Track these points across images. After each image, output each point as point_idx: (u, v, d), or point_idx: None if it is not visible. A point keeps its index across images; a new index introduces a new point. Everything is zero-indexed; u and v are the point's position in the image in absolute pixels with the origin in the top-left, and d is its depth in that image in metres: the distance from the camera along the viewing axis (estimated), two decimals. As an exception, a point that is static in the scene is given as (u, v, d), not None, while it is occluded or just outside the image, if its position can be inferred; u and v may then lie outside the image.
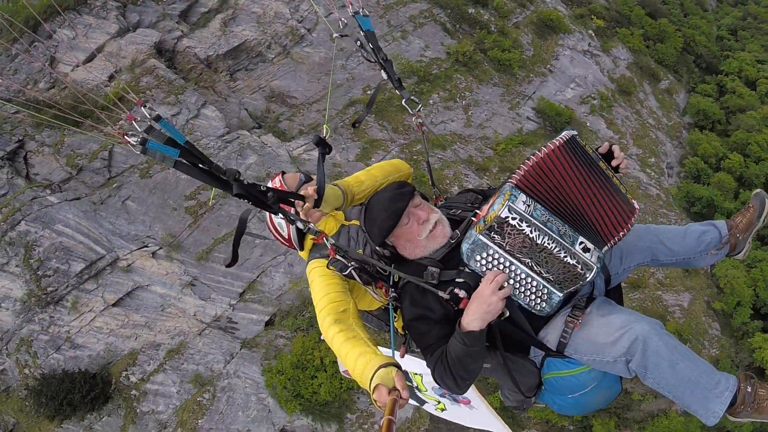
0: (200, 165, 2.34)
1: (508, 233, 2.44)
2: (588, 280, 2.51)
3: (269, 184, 2.97)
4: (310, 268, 3.00)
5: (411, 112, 3.43)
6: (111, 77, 17.31)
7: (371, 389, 2.26)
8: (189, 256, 14.77)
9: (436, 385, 2.88)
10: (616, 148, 2.76)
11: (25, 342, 13.72)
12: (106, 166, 15.46)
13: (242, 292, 14.79)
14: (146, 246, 14.66)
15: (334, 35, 3.68)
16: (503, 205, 2.42)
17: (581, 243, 2.48)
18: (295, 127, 19.18)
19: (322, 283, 2.83)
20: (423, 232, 2.72)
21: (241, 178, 2.39)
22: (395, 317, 2.94)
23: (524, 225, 2.41)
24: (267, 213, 2.84)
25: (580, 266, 2.47)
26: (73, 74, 17.37)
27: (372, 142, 18.95)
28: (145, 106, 2.48)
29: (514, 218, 2.41)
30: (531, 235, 2.42)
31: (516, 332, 2.61)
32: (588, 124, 21.59)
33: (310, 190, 2.76)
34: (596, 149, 2.73)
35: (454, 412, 4.74)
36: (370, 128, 19.32)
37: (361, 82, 19.43)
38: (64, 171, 15.20)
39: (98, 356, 13.75)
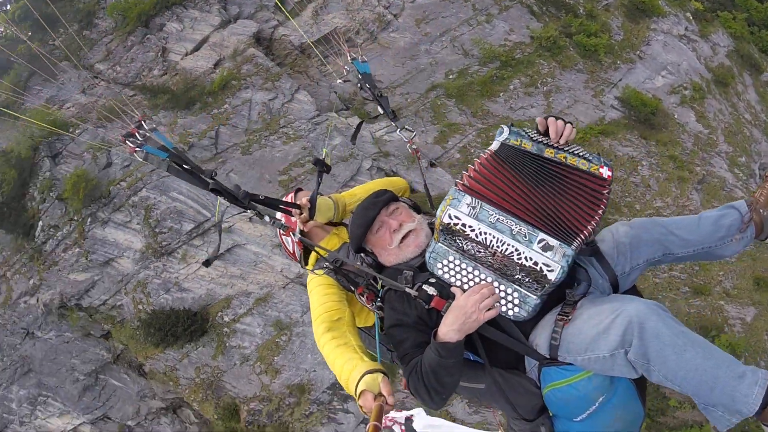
0: (184, 166, 2.80)
1: (458, 238, 2.34)
2: (553, 281, 2.24)
3: (285, 198, 3.40)
4: (309, 278, 3.09)
5: (405, 140, 3.72)
6: (216, 64, 19.44)
7: (357, 395, 2.23)
8: None
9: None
10: (551, 122, 2.54)
11: (141, 284, 16.28)
12: (213, 144, 17.60)
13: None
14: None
15: (338, 81, 4.43)
16: (444, 210, 2.36)
17: (541, 241, 2.24)
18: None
19: (319, 292, 2.91)
20: (394, 241, 2.69)
21: (216, 178, 2.81)
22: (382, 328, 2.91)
23: (467, 229, 2.31)
24: (279, 231, 3.14)
25: (539, 266, 2.23)
26: (182, 62, 19.68)
27: (450, 126, 19.75)
28: (144, 121, 2.91)
29: (455, 223, 2.32)
30: (480, 239, 2.29)
31: (499, 336, 2.36)
32: (675, 116, 20.83)
33: (303, 200, 3.06)
34: (536, 133, 2.59)
35: None
36: (450, 112, 20.11)
37: (443, 66, 20.23)
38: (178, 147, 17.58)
39: (199, 299, 16.04)
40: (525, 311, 2.32)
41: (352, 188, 3.49)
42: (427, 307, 2.39)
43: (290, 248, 3.34)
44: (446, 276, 2.42)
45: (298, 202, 3.11)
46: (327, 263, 2.90)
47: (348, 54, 3.78)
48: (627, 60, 20.90)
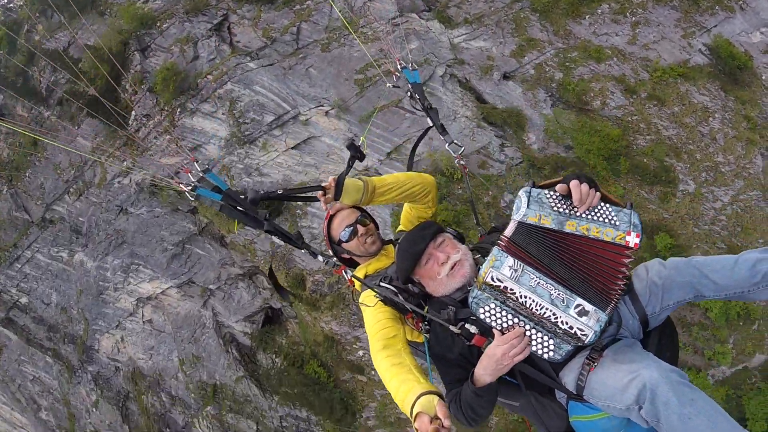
0: (238, 207, 2.85)
1: (504, 295, 2.47)
2: (586, 343, 2.43)
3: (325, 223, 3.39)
4: (363, 296, 3.15)
5: (454, 155, 3.72)
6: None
7: (413, 417, 2.25)
8: (353, 118, 17.73)
9: None
10: (573, 187, 2.54)
11: (225, 168, 18.20)
12: (295, 39, 18.24)
13: (389, 152, 17.67)
14: (321, 106, 17.79)
15: (388, 85, 4.27)
16: (486, 272, 2.46)
17: (577, 306, 2.39)
18: (462, 15, 20.20)
19: (374, 311, 2.97)
20: (442, 272, 2.81)
21: (269, 218, 2.88)
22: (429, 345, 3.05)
23: (509, 292, 2.43)
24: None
25: (573, 330, 2.40)
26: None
27: (530, 41, 19.62)
28: (197, 161, 2.93)
29: (497, 285, 2.43)
30: (521, 300, 2.42)
31: (534, 372, 2.59)
32: (763, 78, 19.85)
33: (330, 179, 2.99)
34: (558, 198, 2.59)
35: None
36: (532, 27, 19.83)
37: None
38: (260, 41, 18.25)
39: (276, 183, 17.90)
40: (559, 356, 2.49)
41: (383, 175, 3.41)
42: (468, 344, 2.58)
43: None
44: (488, 320, 2.54)
45: (324, 184, 3.01)
46: (377, 292, 2.97)
47: (398, 62, 3.76)
48: (727, 7, 19.63)
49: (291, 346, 20.09)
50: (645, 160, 17.51)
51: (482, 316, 2.54)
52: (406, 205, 3.48)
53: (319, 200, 3.00)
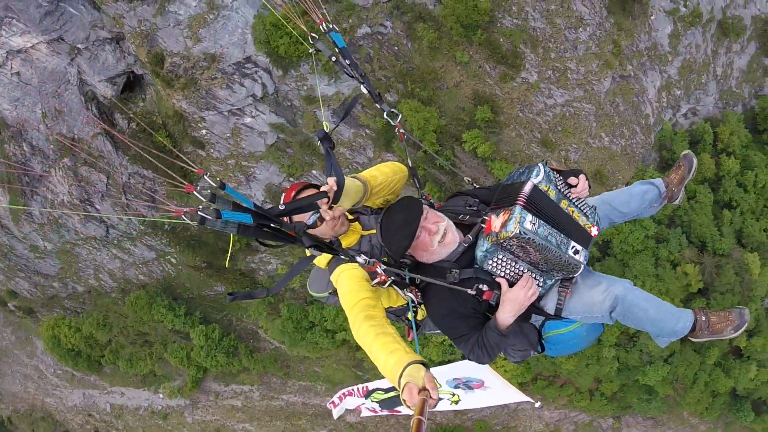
0: (271, 225, 2.60)
1: (518, 245, 3.13)
2: (579, 272, 3.35)
3: (288, 194, 3.26)
4: (338, 272, 3.23)
5: (392, 123, 3.82)
6: None
7: (401, 388, 2.39)
8: None
9: (453, 377, 4.12)
10: (582, 180, 3.45)
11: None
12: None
13: None
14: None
15: (309, 51, 4.47)
16: (516, 226, 3.06)
17: (573, 247, 3.26)
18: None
19: (352, 284, 3.11)
20: (434, 242, 3.27)
21: (309, 231, 2.82)
22: (415, 311, 3.40)
23: (533, 239, 3.09)
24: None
25: (572, 265, 3.27)
26: None
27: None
28: (206, 175, 2.49)
29: (524, 235, 3.07)
30: (540, 246, 3.12)
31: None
32: (652, 17, 20.50)
33: (330, 181, 2.94)
34: (561, 181, 3.46)
35: (468, 400, 5.11)
36: None
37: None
38: None
39: None
40: (544, 289, 3.39)
41: (364, 171, 3.46)
42: (480, 300, 3.24)
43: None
44: (496, 269, 3.24)
45: (324, 188, 2.92)
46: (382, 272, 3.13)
47: (322, 24, 3.52)
48: None
49: (145, 114, 21.78)
50: (501, 40, 18.89)
51: (490, 266, 3.22)
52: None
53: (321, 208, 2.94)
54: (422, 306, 3.44)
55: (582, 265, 3.30)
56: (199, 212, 2.28)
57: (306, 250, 3.09)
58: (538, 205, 3.19)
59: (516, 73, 19.43)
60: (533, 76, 19.64)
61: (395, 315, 3.67)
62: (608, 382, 25.11)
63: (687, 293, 23.18)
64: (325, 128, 3.25)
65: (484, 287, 3.20)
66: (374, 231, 3.44)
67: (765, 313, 25.16)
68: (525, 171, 3.36)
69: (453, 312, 3.23)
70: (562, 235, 3.21)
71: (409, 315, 3.42)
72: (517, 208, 3.10)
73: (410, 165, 3.77)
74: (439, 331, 3.58)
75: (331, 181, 2.93)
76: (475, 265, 3.26)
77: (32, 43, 20.65)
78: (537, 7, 18.83)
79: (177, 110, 20.37)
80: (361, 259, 3.01)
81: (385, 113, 3.76)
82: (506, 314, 3.12)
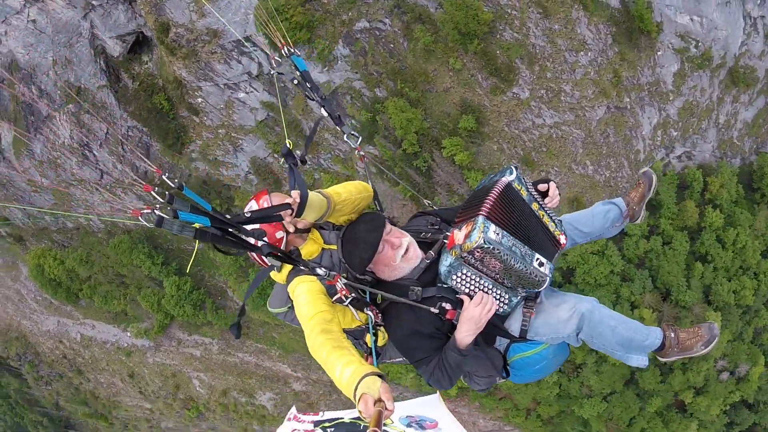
0: (229, 231, 2.60)
1: (482, 257, 3.03)
2: (544, 286, 3.22)
3: (251, 204, 3.15)
4: (295, 284, 3.15)
5: (353, 146, 3.75)
6: None
7: (356, 399, 2.37)
8: None
9: (407, 415, 3.81)
10: (552, 188, 3.50)
11: None
12: None
13: None
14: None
15: (272, 72, 3.80)
16: (480, 236, 2.97)
17: (537, 259, 3.16)
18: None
19: (310, 298, 3.04)
20: (397, 257, 3.22)
21: (266, 239, 2.79)
22: (375, 334, 3.32)
23: (497, 250, 3.00)
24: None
25: (537, 278, 3.16)
26: None
27: None
28: (164, 175, 2.47)
29: (487, 246, 2.97)
30: (503, 257, 3.02)
31: (488, 327, 3.19)
32: (658, 53, 20.09)
33: (294, 194, 2.91)
34: (535, 185, 3.48)
35: None
36: None
37: None
38: None
39: None
40: (510, 307, 3.28)
41: (329, 188, 3.39)
42: (443, 319, 3.14)
43: (262, 262, 3.23)
44: (458, 285, 3.15)
45: (288, 201, 2.95)
46: (342, 290, 3.10)
47: (283, 48, 3.52)
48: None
49: (147, 76, 22.60)
50: (497, 52, 18.98)
51: (453, 282, 3.15)
52: None
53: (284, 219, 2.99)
54: (382, 328, 3.37)
55: (548, 278, 3.20)
56: (155, 212, 2.27)
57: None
58: (510, 203, 3.15)
59: (508, 87, 19.51)
60: (525, 93, 19.70)
61: (354, 337, 3.58)
62: (546, 406, 25.13)
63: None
64: (288, 145, 3.25)
65: (447, 306, 3.13)
66: (335, 246, 3.39)
67: (716, 375, 24.72)
68: (497, 174, 3.32)
69: (414, 332, 3.16)
70: (527, 247, 3.13)
71: (368, 338, 3.35)
72: (480, 218, 3.02)
73: (373, 188, 3.74)
74: (400, 359, 3.54)
75: (295, 194, 2.91)
76: (438, 284, 3.20)
77: (48, -5, 21.55)
78: (540, 24, 18.81)
79: (177, 77, 21.09)
80: (321, 270, 3.03)
81: (345, 135, 3.71)
82: (463, 333, 3.06)
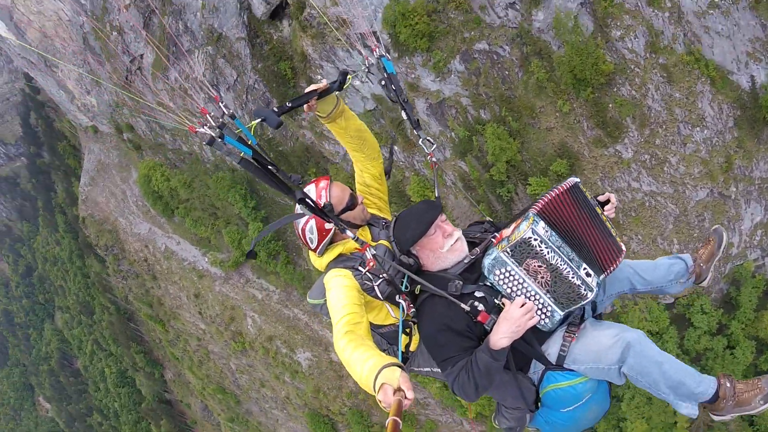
0: (268, 167, 2.75)
1: (528, 253, 2.94)
2: (588, 299, 3.02)
3: (311, 186, 3.35)
4: (330, 276, 3.22)
5: (426, 151, 3.77)
6: None
7: (376, 390, 2.37)
8: None
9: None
10: (612, 197, 3.35)
11: None
12: None
13: None
14: None
15: (363, 69, 3.94)
16: (528, 227, 2.91)
17: (584, 269, 3.00)
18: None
19: (342, 294, 3.07)
20: (446, 245, 3.17)
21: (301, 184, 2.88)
22: (405, 331, 3.33)
23: (543, 247, 2.92)
24: (303, 218, 3.32)
25: (583, 287, 2.98)
26: None
27: None
28: (221, 103, 2.77)
29: (536, 239, 2.91)
30: (547, 256, 2.92)
31: (524, 346, 3.04)
32: None
33: (324, 81, 3.29)
34: (596, 197, 3.31)
35: None
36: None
37: None
38: None
39: None
40: (552, 323, 3.06)
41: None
42: (474, 320, 3.00)
43: (313, 238, 3.37)
44: (500, 283, 3.02)
45: (314, 87, 3.23)
46: (371, 272, 3.13)
47: (375, 50, 3.70)
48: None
49: (279, 42, 24.56)
50: (609, 105, 18.90)
51: (495, 278, 3.01)
52: (357, 176, 3.75)
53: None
54: (415, 328, 3.37)
55: (594, 291, 3.02)
56: (206, 129, 2.58)
57: (296, 206, 3.19)
58: (571, 204, 3.06)
59: (612, 143, 19.42)
60: (628, 153, 19.52)
61: (388, 342, 3.65)
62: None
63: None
64: (350, 76, 3.54)
65: (480, 306, 3.01)
66: (383, 242, 3.45)
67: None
68: (558, 184, 3.18)
69: (445, 327, 3.02)
70: (574, 253, 3.00)
71: (402, 337, 3.29)
72: (531, 213, 2.96)
73: (437, 195, 3.78)
74: (427, 369, 3.40)
75: (325, 81, 3.28)
76: (480, 283, 3.10)
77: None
78: (661, 88, 18.47)
79: (303, 51, 22.78)
80: (350, 232, 3.09)
81: (420, 140, 3.76)
82: (500, 334, 2.89)
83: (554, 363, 3.11)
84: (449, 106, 20.90)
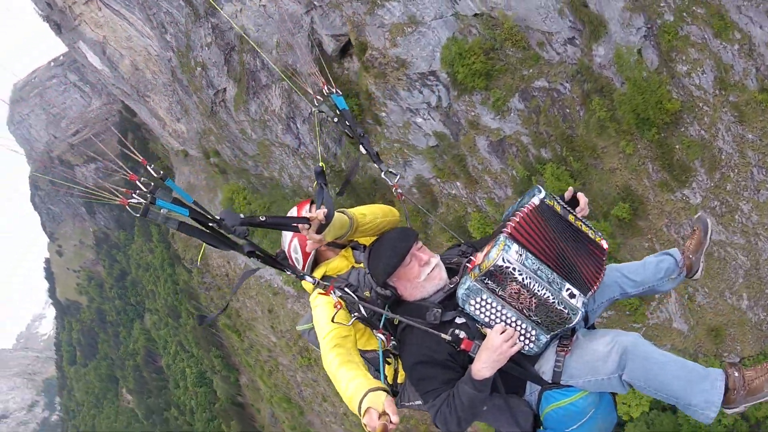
0: (209, 225, 2.61)
1: (502, 280, 2.77)
2: (574, 322, 2.83)
3: (293, 210, 3.32)
4: (315, 295, 3.22)
5: (390, 183, 3.70)
6: None
7: (361, 413, 2.37)
8: None
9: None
10: (581, 197, 3.21)
11: None
12: None
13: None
14: None
15: (313, 110, 3.92)
16: (498, 254, 2.74)
17: (568, 289, 2.81)
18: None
19: (328, 311, 3.04)
20: (422, 274, 3.05)
21: (248, 237, 2.70)
22: (387, 361, 3.21)
23: (517, 273, 2.74)
24: (288, 234, 3.33)
25: (566, 311, 2.79)
26: None
27: None
28: (150, 166, 2.56)
29: (508, 266, 2.73)
30: (525, 282, 2.75)
31: (516, 369, 2.86)
32: None
33: (319, 213, 2.91)
34: (562, 198, 3.18)
35: None
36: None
37: None
38: None
39: None
40: (537, 347, 2.90)
41: (355, 208, 3.33)
42: (457, 349, 2.82)
43: (298, 263, 3.32)
44: (477, 313, 2.87)
45: (309, 216, 2.91)
46: (345, 296, 3.02)
47: (325, 87, 3.68)
48: None
49: (347, 80, 25.77)
50: (676, 146, 18.15)
51: (471, 308, 2.87)
52: None
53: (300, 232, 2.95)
54: (397, 357, 3.24)
55: (579, 313, 2.83)
56: (135, 196, 2.40)
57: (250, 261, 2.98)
58: (541, 222, 2.90)
59: (679, 187, 18.76)
60: (696, 198, 18.79)
61: (374, 368, 3.36)
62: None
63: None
64: (321, 166, 3.39)
65: (462, 334, 2.84)
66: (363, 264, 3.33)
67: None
68: (524, 197, 3.10)
69: (426, 358, 2.89)
70: (555, 274, 2.85)
71: (387, 370, 3.19)
72: (502, 237, 2.83)
73: (408, 225, 3.69)
74: (419, 402, 3.17)
75: (321, 213, 2.90)
76: (459, 308, 2.95)
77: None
78: (732, 129, 17.56)
79: (367, 90, 23.81)
80: (310, 278, 3.03)
81: (382, 174, 3.72)
82: (481, 363, 2.74)
83: (551, 381, 2.92)
84: (510, 144, 21.07)
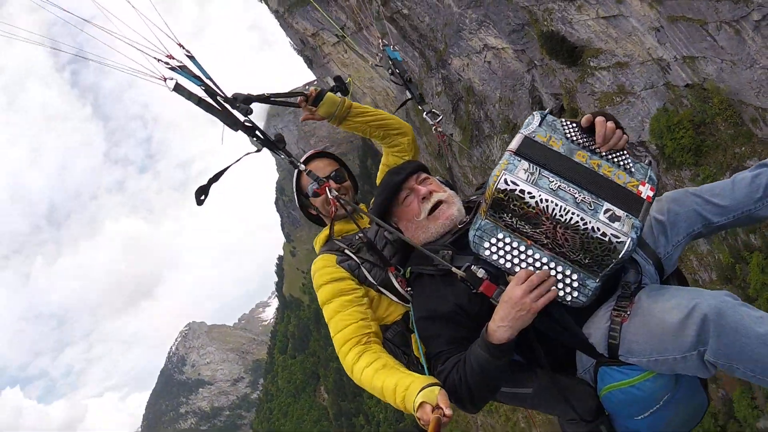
0: (220, 100, 2.66)
1: (514, 209, 2.11)
2: (623, 253, 2.02)
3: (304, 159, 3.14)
4: (316, 267, 2.80)
5: (431, 122, 3.53)
6: None
7: (415, 408, 2.09)
8: (664, 9, 18.41)
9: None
10: (598, 122, 2.23)
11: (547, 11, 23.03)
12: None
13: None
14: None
15: (371, 64, 4.34)
16: (498, 175, 2.11)
17: (607, 211, 2.05)
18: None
19: (336, 299, 2.66)
20: (422, 212, 2.54)
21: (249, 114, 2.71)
22: (411, 330, 2.65)
23: (527, 196, 2.07)
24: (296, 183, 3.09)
25: (608, 238, 2.01)
26: None
27: None
28: (182, 46, 2.68)
29: (514, 189, 2.08)
30: (542, 206, 2.05)
31: (555, 330, 2.18)
32: None
33: (312, 89, 3.09)
34: (577, 129, 2.27)
35: None
36: None
37: None
38: None
39: (582, 40, 21.38)
40: (584, 296, 2.15)
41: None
42: (474, 290, 2.18)
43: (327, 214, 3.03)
44: (494, 257, 2.20)
45: (306, 91, 3.10)
46: (346, 246, 2.78)
47: (381, 41, 3.90)
48: None
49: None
50: None
51: (487, 253, 2.22)
52: (383, 159, 3.39)
53: (300, 106, 3.07)
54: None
55: (628, 241, 2.02)
56: (171, 69, 2.55)
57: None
58: (538, 154, 2.16)
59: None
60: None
61: (402, 350, 2.80)
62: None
63: None
64: (347, 79, 3.43)
65: (480, 272, 2.17)
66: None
67: None
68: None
69: (428, 313, 2.35)
70: (586, 192, 2.08)
71: (414, 343, 2.61)
72: (506, 155, 2.17)
73: (449, 166, 3.72)
74: None
75: (313, 89, 3.08)
76: (475, 254, 2.30)
77: (501, 46, 27.89)
78: None
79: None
80: (302, 165, 2.89)
81: (425, 113, 3.53)
82: (497, 321, 2.08)
83: (606, 355, 2.15)
84: (719, 226, 20.44)
